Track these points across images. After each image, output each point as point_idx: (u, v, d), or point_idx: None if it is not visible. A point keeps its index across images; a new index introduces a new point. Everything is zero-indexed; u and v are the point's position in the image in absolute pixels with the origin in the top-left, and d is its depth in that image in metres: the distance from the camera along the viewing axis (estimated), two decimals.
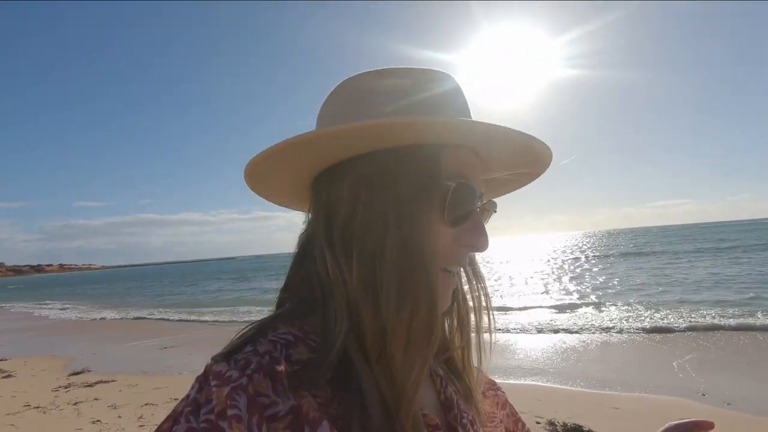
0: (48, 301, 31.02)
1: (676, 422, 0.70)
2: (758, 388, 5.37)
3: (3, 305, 30.77)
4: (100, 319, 18.13)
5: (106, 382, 7.20)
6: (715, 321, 9.18)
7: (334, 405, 0.49)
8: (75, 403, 6.11)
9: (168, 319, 16.40)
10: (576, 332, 9.28)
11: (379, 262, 0.51)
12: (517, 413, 0.77)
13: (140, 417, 5.41)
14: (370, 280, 0.51)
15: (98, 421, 5.35)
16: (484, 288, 0.66)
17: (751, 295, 12.26)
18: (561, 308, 12.81)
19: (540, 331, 9.66)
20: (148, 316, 17.63)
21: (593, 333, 9.14)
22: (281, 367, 0.46)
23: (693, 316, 9.94)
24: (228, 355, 0.48)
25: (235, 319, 14.84)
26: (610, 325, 9.53)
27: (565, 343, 8.47)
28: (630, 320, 9.97)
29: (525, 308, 13.27)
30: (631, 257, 33.25)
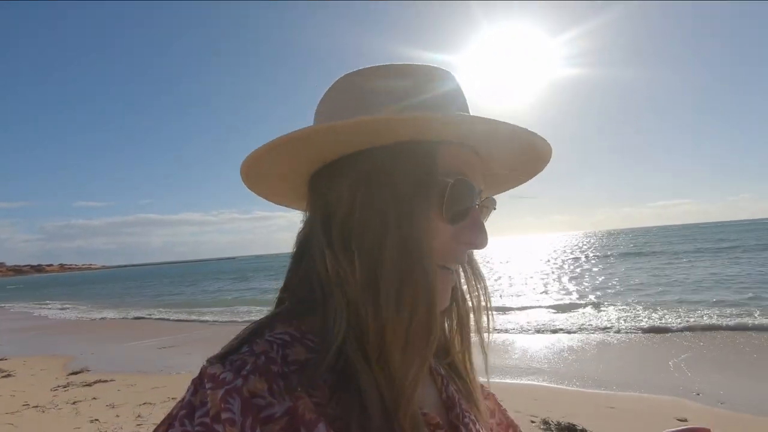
0: (48, 301, 31.06)
1: (673, 430, 0.68)
2: (753, 387, 5.38)
3: (3, 305, 30.80)
4: (100, 319, 18.15)
5: (104, 381, 7.22)
6: (713, 321, 9.19)
7: (332, 405, 0.48)
8: (73, 403, 6.14)
9: (167, 319, 16.41)
10: (574, 332, 9.30)
11: (379, 261, 0.50)
12: (509, 418, 0.75)
13: (138, 416, 5.43)
14: (370, 279, 0.50)
15: (96, 420, 5.38)
16: (484, 287, 0.65)
17: (750, 295, 12.26)
18: (560, 308, 12.82)
19: (539, 330, 9.68)
20: (148, 316, 17.63)
21: (591, 333, 9.15)
22: (277, 368, 0.46)
23: (691, 316, 9.95)
24: (223, 357, 0.47)
25: (234, 319, 14.85)
26: (608, 325, 9.55)
27: (562, 342, 8.49)
28: (628, 320, 9.99)
29: (524, 308, 13.28)
30: (630, 257, 33.22)
